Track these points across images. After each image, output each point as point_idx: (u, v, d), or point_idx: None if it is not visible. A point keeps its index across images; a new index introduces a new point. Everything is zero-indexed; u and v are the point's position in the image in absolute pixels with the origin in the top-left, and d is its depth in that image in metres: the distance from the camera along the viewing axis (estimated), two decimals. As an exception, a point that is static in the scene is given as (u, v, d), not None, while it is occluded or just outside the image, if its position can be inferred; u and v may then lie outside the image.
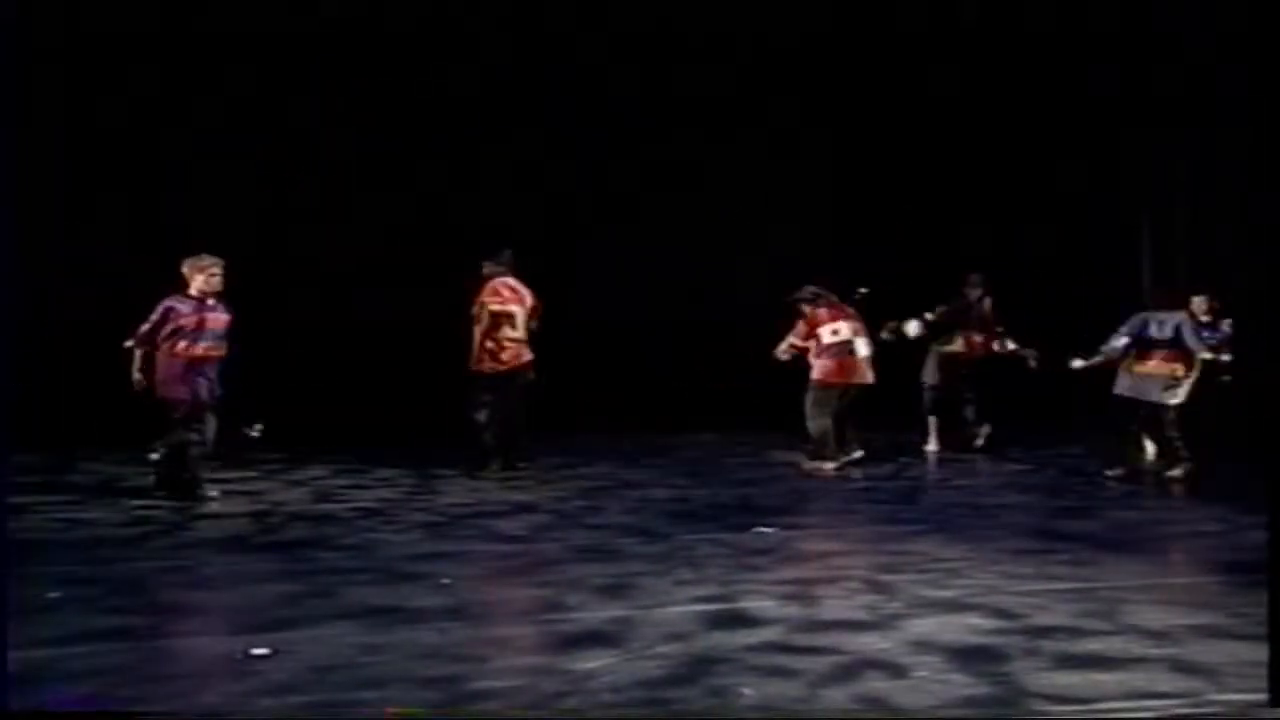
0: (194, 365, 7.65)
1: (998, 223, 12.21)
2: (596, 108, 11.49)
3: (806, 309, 9.30)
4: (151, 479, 7.80)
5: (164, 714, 3.89)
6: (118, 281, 9.22)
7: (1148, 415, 8.61)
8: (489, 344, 8.79)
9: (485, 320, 8.80)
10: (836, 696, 4.01)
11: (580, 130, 11.46)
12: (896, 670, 4.26)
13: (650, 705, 3.93)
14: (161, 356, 7.63)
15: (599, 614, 5.02)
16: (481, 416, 8.79)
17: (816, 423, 9.15)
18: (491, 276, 8.93)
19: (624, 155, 11.56)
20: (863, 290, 9.71)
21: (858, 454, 9.33)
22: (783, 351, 9.26)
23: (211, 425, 7.77)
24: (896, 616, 4.94)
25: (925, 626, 4.78)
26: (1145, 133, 12.30)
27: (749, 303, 10.49)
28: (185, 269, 7.74)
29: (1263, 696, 3.77)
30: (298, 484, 8.50)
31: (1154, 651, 4.45)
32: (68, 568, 5.81)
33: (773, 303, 9.53)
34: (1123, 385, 8.61)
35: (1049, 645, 4.52)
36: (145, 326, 7.63)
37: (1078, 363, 8.87)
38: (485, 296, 8.84)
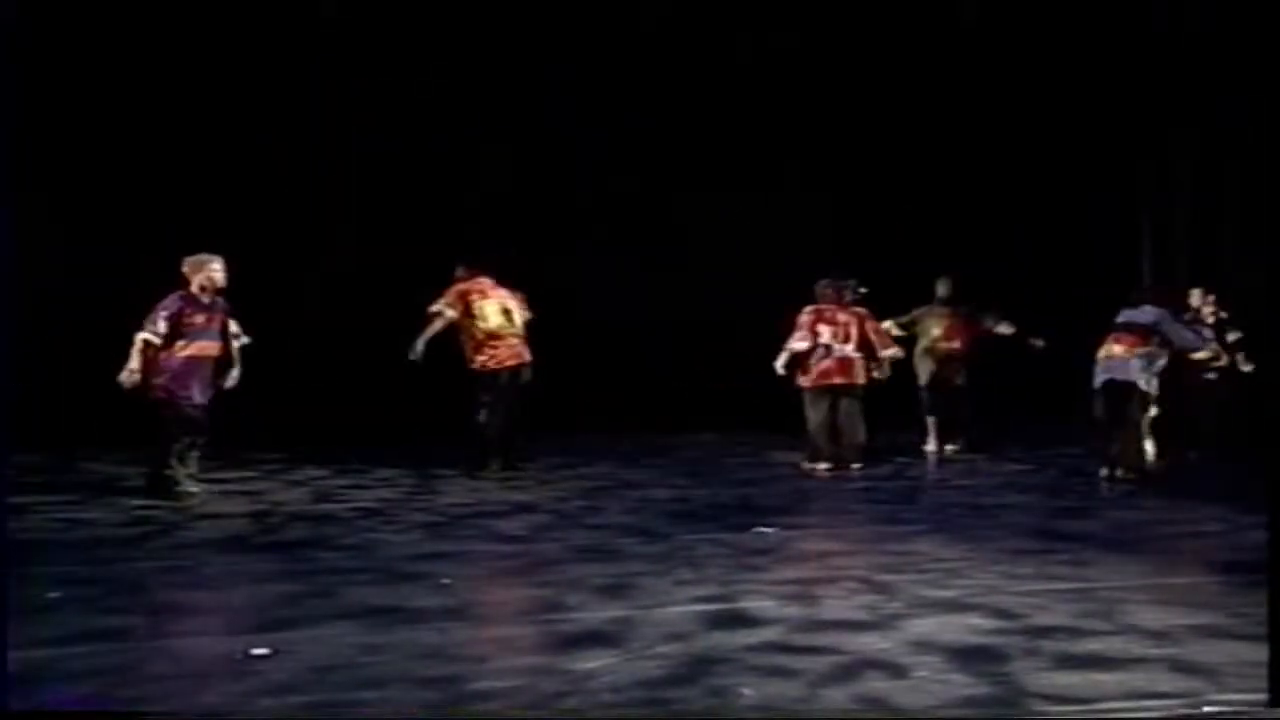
0: (194, 363, 7.65)
1: (997, 224, 12.22)
2: (597, 108, 11.49)
3: (805, 311, 9.32)
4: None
5: (164, 714, 3.89)
6: (118, 281, 9.22)
7: (1115, 406, 8.56)
8: (486, 341, 8.78)
9: (484, 316, 8.79)
10: (836, 696, 4.01)
11: (580, 130, 11.46)
12: (896, 670, 4.26)
13: (650, 705, 3.93)
14: (164, 354, 7.63)
15: (599, 614, 5.01)
16: (482, 416, 8.79)
17: (809, 424, 9.20)
18: (469, 278, 8.91)
19: (624, 155, 11.57)
20: (863, 290, 9.72)
21: (856, 466, 9.30)
22: (782, 364, 9.26)
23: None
24: (896, 616, 4.93)
25: (925, 626, 4.78)
26: (1146, 133, 12.30)
27: (749, 303, 10.49)
28: (186, 268, 7.75)
29: (1263, 696, 3.76)
30: (298, 484, 8.51)
31: (1154, 651, 4.44)
32: (68, 568, 5.80)
33: (773, 303, 9.53)
34: (1098, 377, 8.59)
35: (1049, 645, 4.52)
36: (163, 321, 7.59)
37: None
38: (472, 294, 8.83)
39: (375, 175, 11.22)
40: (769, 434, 9.96)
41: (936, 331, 10.20)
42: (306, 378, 10.23)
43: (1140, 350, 8.43)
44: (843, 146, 12.09)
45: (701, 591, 5.37)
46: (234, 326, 7.93)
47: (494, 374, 8.79)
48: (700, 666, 4.29)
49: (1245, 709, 3.86)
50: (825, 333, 9.21)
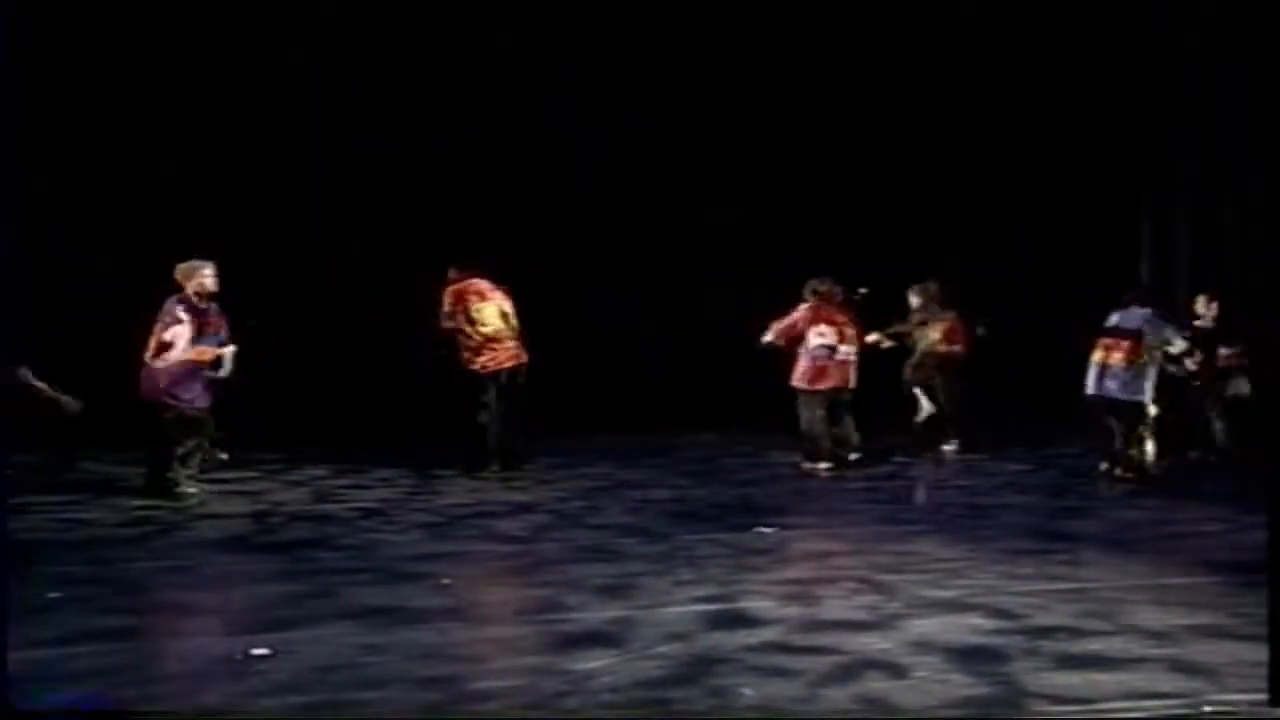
0: (195, 367, 7.66)
1: (998, 224, 12.22)
2: (597, 108, 11.49)
3: (803, 305, 9.30)
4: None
5: (164, 714, 3.89)
6: (118, 281, 9.23)
7: (1117, 417, 8.57)
8: (485, 344, 8.79)
9: (484, 321, 8.80)
10: (836, 696, 4.01)
11: (580, 130, 11.46)
12: (896, 670, 4.26)
13: (650, 705, 3.94)
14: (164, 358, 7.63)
15: (599, 614, 5.02)
16: (483, 418, 8.78)
17: (805, 424, 9.19)
18: (462, 279, 8.91)
19: (624, 155, 11.56)
20: (863, 290, 9.72)
21: (854, 456, 9.34)
22: (767, 339, 9.25)
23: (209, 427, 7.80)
24: (896, 617, 4.94)
25: (925, 627, 4.78)
26: (1146, 133, 12.30)
27: (749, 303, 10.48)
28: (178, 275, 7.76)
29: (1263, 696, 3.76)
30: (298, 484, 8.50)
31: (1154, 652, 4.45)
32: (68, 568, 5.81)
33: (773, 303, 9.53)
34: (1093, 384, 8.59)
35: (1049, 645, 4.52)
36: (188, 325, 7.59)
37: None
38: (469, 298, 8.83)
39: (374, 176, 11.22)
40: (769, 434, 9.95)
41: (935, 335, 10.18)
42: (306, 378, 10.22)
43: (1140, 361, 8.38)
44: (843, 146, 12.08)
45: (701, 592, 5.37)
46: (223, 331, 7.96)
47: (494, 375, 8.79)
48: (700, 667, 4.29)
49: (1245, 709, 3.86)
50: (829, 333, 9.19)
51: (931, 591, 5.37)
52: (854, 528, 7.21)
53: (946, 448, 10.10)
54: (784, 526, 7.05)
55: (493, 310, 8.84)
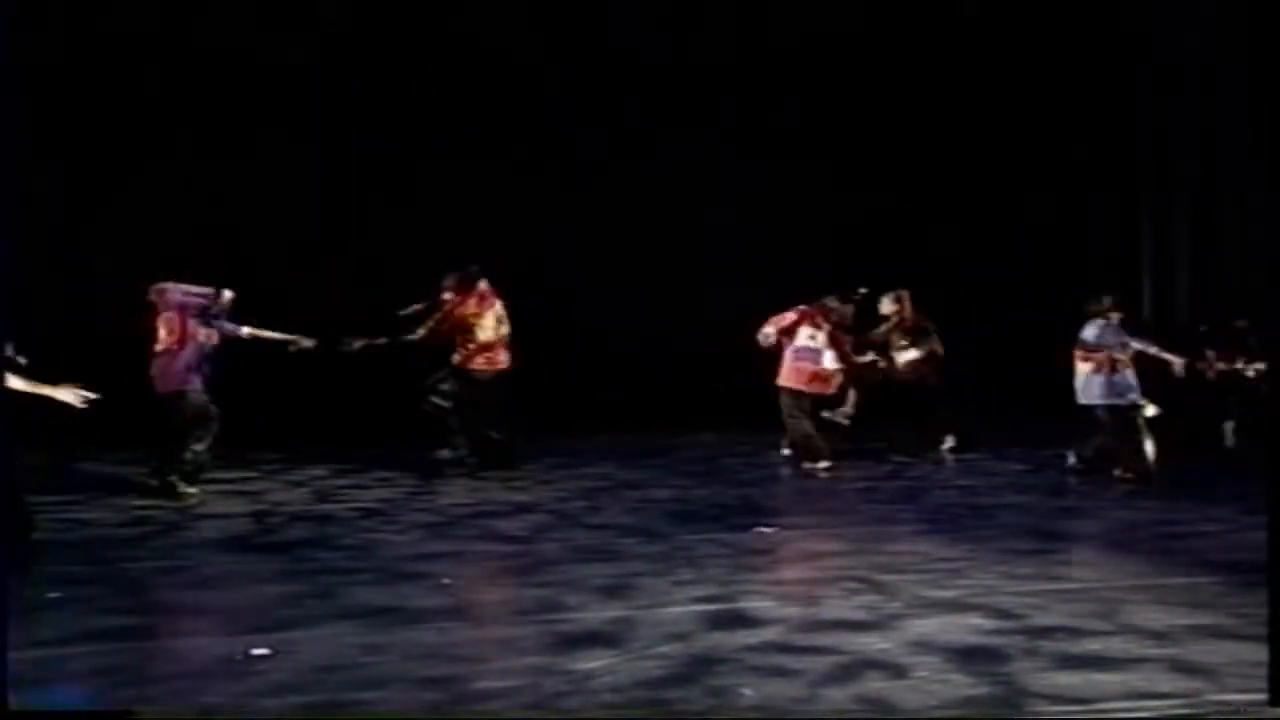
0: (202, 352, 7.72)
1: (998, 224, 12.22)
2: (597, 109, 11.48)
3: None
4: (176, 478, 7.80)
5: (164, 714, 3.89)
6: (118, 281, 9.22)
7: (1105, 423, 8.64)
8: (480, 350, 8.83)
9: (484, 328, 8.85)
10: (837, 697, 4.01)
11: (580, 131, 11.46)
12: (897, 670, 4.26)
13: (651, 705, 3.94)
14: (176, 344, 7.68)
15: (599, 614, 5.02)
16: (450, 404, 8.81)
17: (794, 427, 9.21)
18: (461, 291, 8.93)
19: (624, 155, 11.56)
20: (862, 290, 9.71)
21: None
22: (767, 337, 9.25)
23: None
24: (896, 617, 4.94)
25: (925, 627, 4.78)
26: (1145, 132, 12.30)
27: (749, 303, 10.48)
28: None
29: (1263, 696, 3.77)
30: (298, 484, 8.51)
31: (1154, 652, 4.45)
32: (68, 568, 5.81)
33: (772, 303, 9.53)
34: (1078, 395, 8.76)
35: (1049, 645, 4.52)
36: (205, 306, 7.76)
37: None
38: (468, 315, 8.86)
39: (374, 177, 11.22)
40: (769, 434, 9.95)
41: (916, 355, 10.17)
42: (306, 378, 10.21)
43: (1104, 370, 8.52)
44: (843, 146, 12.08)
45: (702, 592, 5.37)
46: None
47: (485, 375, 8.82)
48: (700, 666, 4.29)
49: (1245, 709, 3.86)
50: (821, 338, 9.22)
51: (931, 591, 5.37)
52: (854, 527, 7.21)
53: (945, 447, 10.09)
54: (784, 526, 7.05)
55: (491, 319, 8.91)
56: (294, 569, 5.87)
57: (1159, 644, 4.54)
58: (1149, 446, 8.71)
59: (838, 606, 5.13)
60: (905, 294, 10.21)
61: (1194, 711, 3.88)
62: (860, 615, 4.98)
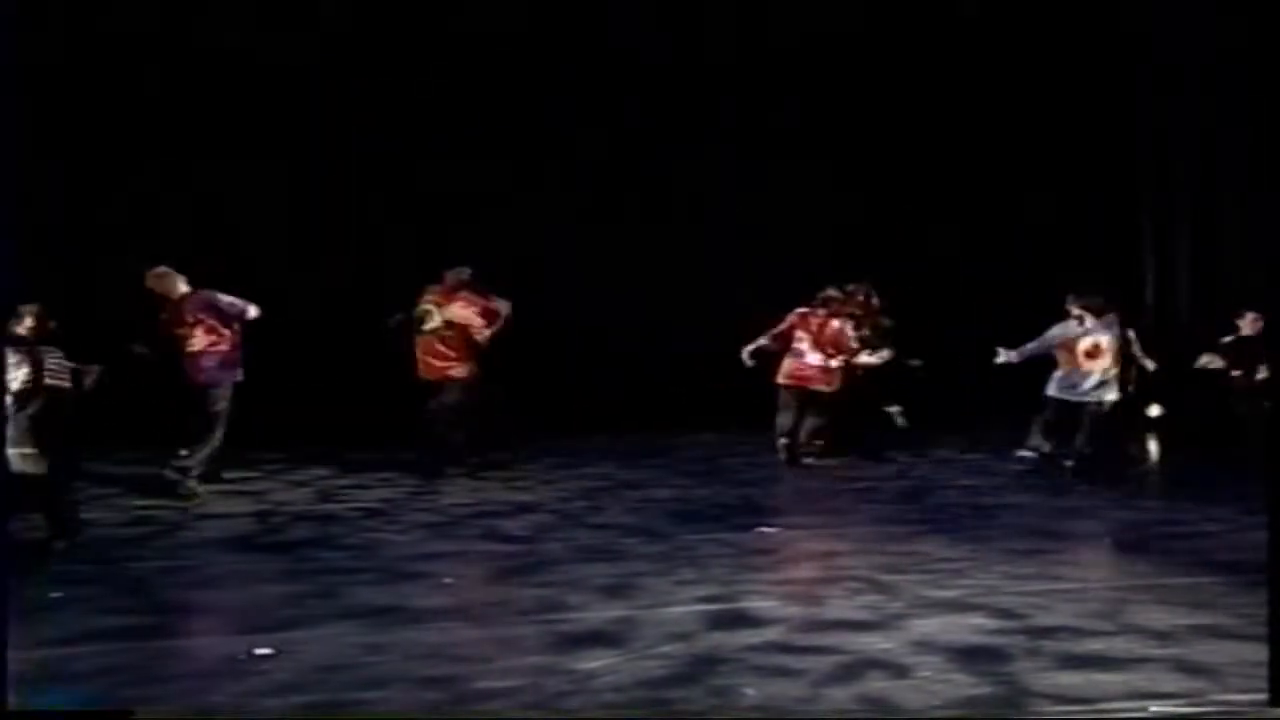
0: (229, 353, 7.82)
1: (997, 224, 12.21)
2: (597, 109, 11.48)
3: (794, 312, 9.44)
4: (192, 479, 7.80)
5: (166, 714, 3.89)
6: (118, 281, 9.22)
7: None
8: (477, 353, 8.84)
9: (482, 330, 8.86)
10: (838, 696, 4.02)
11: (580, 131, 11.46)
12: (899, 670, 4.27)
13: (652, 705, 3.94)
14: (216, 340, 7.74)
15: (601, 614, 5.02)
16: (454, 416, 8.81)
17: (778, 419, 9.38)
18: (460, 287, 8.93)
19: (624, 156, 11.56)
20: (852, 287, 9.72)
21: (809, 460, 9.40)
22: (750, 353, 9.34)
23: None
24: (899, 616, 4.94)
25: (927, 626, 4.78)
26: (1145, 132, 12.30)
27: (749, 303, 10.48)
28: (152, 282, 7.86)
29: (1263, 696, 3.77)
30: (300, 484, 8.51)
31: (1155, 651, 4.46)
32: (69, 568, 5.81)
33: (772, 303, 9.54)
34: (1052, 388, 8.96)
35: (1051, 645, 4.53)
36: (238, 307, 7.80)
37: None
38: (463, 303, 8.86)
39: (374, 178, 11.22)
40: (769, 434, 9.95)
41: (875, 361, 10.13)
42: (307, 378, 10.22)
43: (1089, 364, 8.69)
44: (842, 146, 12.08)
45: (703, 591, 5.38)
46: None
47: (478, 381, 8.82)
48: (702, 666, 4.30)
49: (1246, 709, 3.87)
50: (804, 339, 9.36)
51: (933, 591, 5.37)
52: (856, 527, 7.22)
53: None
54: (786, 526, 7.06)
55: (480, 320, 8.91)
56: (296, 569, 5.87)
57: (1161, 644, 4.54)
58: (1151, 445, 8.73)
59: (840, 606, 5.14)
60: (864, 289, 9.98)
61: (1195, 711, 3.88)
62: (862, 615, 4.98)
